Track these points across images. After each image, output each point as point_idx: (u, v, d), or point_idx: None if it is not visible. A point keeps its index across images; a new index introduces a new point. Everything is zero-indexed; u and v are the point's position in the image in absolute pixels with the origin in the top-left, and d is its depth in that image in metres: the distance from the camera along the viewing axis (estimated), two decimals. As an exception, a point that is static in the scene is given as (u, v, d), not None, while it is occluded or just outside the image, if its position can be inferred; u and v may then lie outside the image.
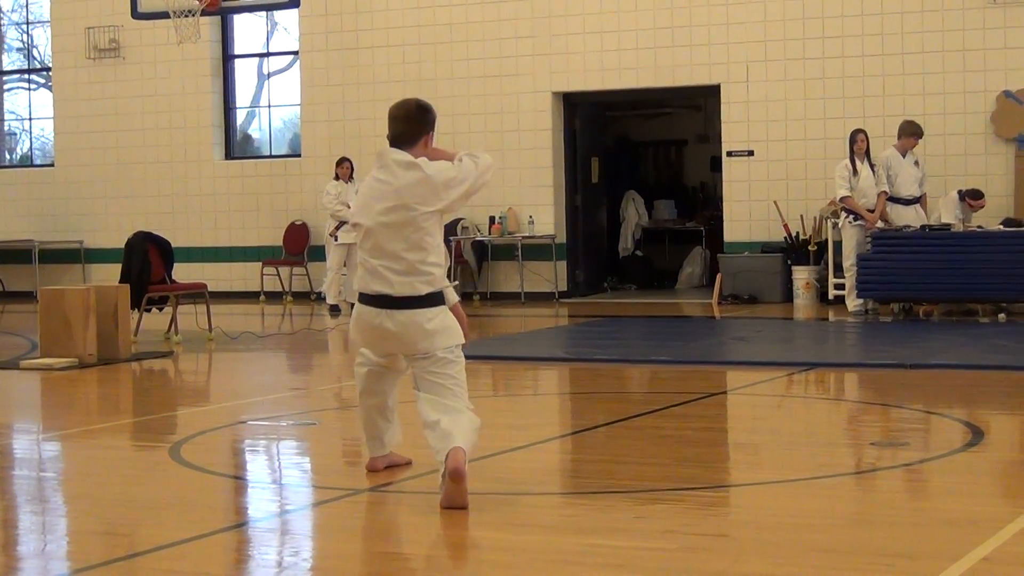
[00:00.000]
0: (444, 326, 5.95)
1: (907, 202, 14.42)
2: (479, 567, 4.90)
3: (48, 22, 20.23)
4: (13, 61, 21.65)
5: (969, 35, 15.56)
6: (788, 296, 15.88)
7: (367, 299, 6.02)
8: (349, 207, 16.25)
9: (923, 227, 13.94)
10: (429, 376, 5.92)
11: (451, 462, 5.59)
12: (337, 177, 16.48)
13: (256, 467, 7.27)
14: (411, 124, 6.06)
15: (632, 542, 5.09)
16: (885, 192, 14.32)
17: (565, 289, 17.42)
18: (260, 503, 6.27)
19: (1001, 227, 14.02)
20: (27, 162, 21.20)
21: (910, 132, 14.47)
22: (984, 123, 15.55)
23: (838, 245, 14.92)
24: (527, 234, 17.22)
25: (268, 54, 19.74)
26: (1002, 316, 13.43)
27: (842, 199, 14.38)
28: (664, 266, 19.50)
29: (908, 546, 4.98)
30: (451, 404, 5.86)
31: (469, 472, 5.63)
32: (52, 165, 20.21)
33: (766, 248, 16.24)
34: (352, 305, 17.68)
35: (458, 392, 5.91)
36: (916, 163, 14.49)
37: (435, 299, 5.95)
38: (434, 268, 5.97)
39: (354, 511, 5.86)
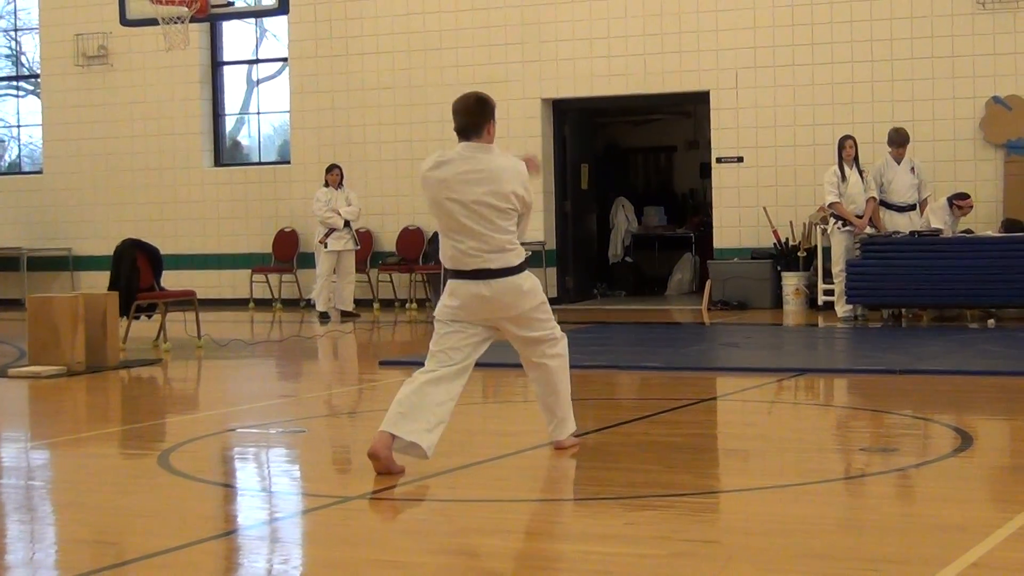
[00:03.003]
0: (534, 286, 6.79)
1: (900, 208, 14.42)
2: (469, 574, 4.89)
3: (37, 29, 20.21)
4: (2, 68, 21.61)
5: (958, 41, 15.60)
6: (777, 302, 15.89)
7: (463, 275, 6.61)
8: (339, 214, 16.27)
9: (912, 233, 13.97)
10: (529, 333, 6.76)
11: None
12: (327, 184, 16.46)
13: (245, 475, 7.25)
14: (473, 116, 6.63)
15: (622, 548, 5.08)
16: (874, 198, 14.34)
17: (555, 296, 17.40)
18: (249, 511, 6.25)
19: (990, 233, 14.06)
20: (15, 169, 21.16)
21: (889, 140, 14.50)
22: (973, 129, 15.58)
23: (827, 251, 14.94)
24: (517, 240, 17.18)
25: (257, 61, 19.72)
26: (991, 321, 13.45)
27: (831, 205, 14.40)
28: (654, 272, 19.51)
29: (898, 552, 4.98)
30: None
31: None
32: (40, 172, 20.18)
33: (756, 254, 16.26)
34: (342, 312, 17.56)
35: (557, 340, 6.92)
36: (912, 169, 14.50)
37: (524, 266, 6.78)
38: (518, 244, 6.75)
39: (344, 518, 5.85)
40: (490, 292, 6.57)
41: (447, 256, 6.66)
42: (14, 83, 21.47)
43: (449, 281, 6.69)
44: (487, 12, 17.50)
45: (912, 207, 14.47)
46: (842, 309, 14.28)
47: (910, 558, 4.88)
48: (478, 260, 6.56)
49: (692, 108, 19.27)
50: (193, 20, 14.66)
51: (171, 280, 15.00)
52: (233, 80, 19.66)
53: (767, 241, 16.20)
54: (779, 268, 15.94)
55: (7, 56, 21.53)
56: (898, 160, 14.45)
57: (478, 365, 8.03)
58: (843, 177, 14.32)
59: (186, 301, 13.55)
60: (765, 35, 16.34)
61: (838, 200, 14.29)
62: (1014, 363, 10.52)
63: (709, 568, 4.81)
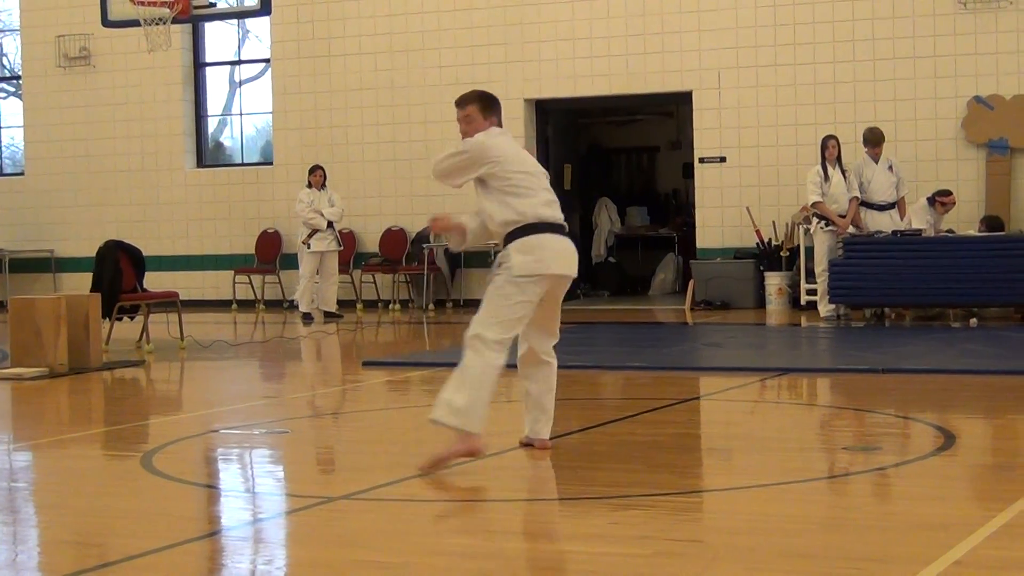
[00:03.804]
0: None
1: (881, 207, 14.47)
2: (453, 574, 4.89)
3: (18, 30, 20.15)
4: (-17, 69, 21.56)
5: (940, 41, 15.65)
6: (760, 302, 15.93)
7: (554, 227, 6.85)
8: (322, 215, 16.26)
9: (894, 232, 14.01)
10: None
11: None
12: (310, 185, 16.45)
13: (229, 476, 7.24)
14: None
15: (606, 548, 5.09)
16: (857, 198, 14.37)
17: (538, 296, 17.37)
18: (233, 512, 6.24)
19: (972, 232, 14.11)
20: (-3, 171, 21.10)
21: (864, 140, 14.56)
22: (955, 128, 15.63)
23: (810, 251, 14.98)
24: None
25: (240, 62, 19.69)
26: (973, 321, 13.50)
27: (814, 204, 14.43)
28: (637, 272, 19.54)
29: (880, 550, 4.99)
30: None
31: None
32: (22, 174, 20.12)
33: (738, 254, 16.29)
34: (325, 313, 17.45)
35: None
36: (890, 167, 14.54)
37: None
38: None
39: (327, 519, 5.84)
40: (572, 248, 6.93)
41: (525, 211, 6.73)
42: (-5, 84, 21.41)
43: (529, 237, 6.75)
44: (470, 13, 17.50)
45: (892, 205, 14.52)
46: (825, 308, 14.31)
47: (893, 556, 4.90)
48: (557, 210, 6.86)
49: (675, 108, 19.29)
50: (175, 21, 14.64)
51: (154, 281, 14.97)
52: (215, 81, 19.63)
53: (750, 241, 16.23)
54: (762, 268, 15.98)
55: (-12, 57, 21.47)
56: (875, 159, 14.50)
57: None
58: (826, 177, 14.35)
59: (169, 302, 13.53)
60: (747, 35, 16.37)
61: (821, 200, 14.33)
62: (996, 362, 10.55)
63: (693, 567, 4.81)
